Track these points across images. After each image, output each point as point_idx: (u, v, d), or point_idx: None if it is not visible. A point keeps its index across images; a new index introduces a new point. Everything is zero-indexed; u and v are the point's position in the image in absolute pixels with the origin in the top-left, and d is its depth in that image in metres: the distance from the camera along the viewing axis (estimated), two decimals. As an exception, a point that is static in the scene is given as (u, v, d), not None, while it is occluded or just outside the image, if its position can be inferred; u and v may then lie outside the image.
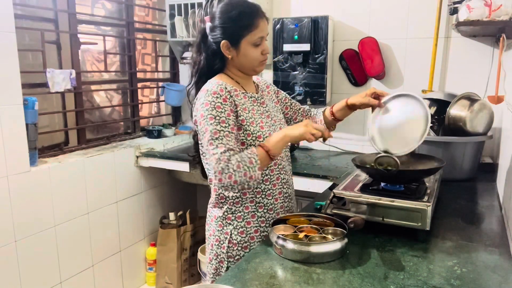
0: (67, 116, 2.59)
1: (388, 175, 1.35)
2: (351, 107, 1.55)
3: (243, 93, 1.42)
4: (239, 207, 1.42)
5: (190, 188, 3.32)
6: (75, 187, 2.38)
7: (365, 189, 1.40)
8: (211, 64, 1.42)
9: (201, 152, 1.48)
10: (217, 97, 1.31)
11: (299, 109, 1.67)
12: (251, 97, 1.44)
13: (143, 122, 3.23)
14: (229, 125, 1.29)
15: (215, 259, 1.46)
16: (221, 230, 1.44)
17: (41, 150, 2.34)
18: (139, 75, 3.14)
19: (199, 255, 2.81)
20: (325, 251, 1.12)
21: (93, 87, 2.82)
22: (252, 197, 1.42)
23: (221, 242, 1.44)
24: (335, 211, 1.36)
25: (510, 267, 1.10)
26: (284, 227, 1.27)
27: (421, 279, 1.03)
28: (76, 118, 2.64)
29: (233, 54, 1.38)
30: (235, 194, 1.42)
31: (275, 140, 1.29)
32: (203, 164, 1.49)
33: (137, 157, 2.79)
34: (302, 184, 2.20)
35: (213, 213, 1.49)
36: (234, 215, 1.43)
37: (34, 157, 2.18)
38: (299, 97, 2.60)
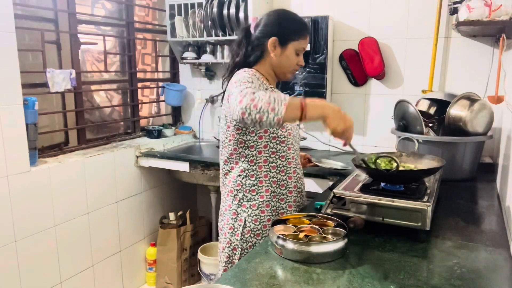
0: (67, 116, 2.59)
1: (388, 175, 1.35)
2: None
3: (271, 87, 1.53)
4: (255, 195, 1.49)
5: (190, 188, 3.32)
6: (75, 187, 2.38)
7: (365, 189, 1.40)
8: (248, 57, 1.52)
9: (221, 140, 1.53)
10: (254, 75, 1.43)
11: None
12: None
13: (143, 122, 3.23)
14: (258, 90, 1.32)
15: (228, 247, 1.53)
16: (235, 218, 1.51)
17: (41, 150, 2.34)
18: (139, 75, 3.14)
19: (199, 255, 2.81)
20: (325, 251, 1.12)
21: (93, 87, 2.82)
22: (267, 187, 1.50)
23: (235, 230, 1.51)
24: (335, 211, 1.36)
25: (510, 267, 1.10)
26: (284, 227, 1.27)
27: (421, 279, 1.03)
28: (76, 118, 2.64)
29: (277, 52, 1.49)
30: (252, 181, 1.49)
31: (316, 104, 1.23)
32: (222, 152, 1.54)
33: (137, 157, 2.79)
34: (302, 184, 2.20)
35: (227, 202, 1.55)
36: (250, 203, 1.49)
37: (34, 157, 2.18)
38: (299, 97, 2.59)
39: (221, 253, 1.57)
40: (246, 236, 1.50)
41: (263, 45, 1.49)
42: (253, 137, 1.46)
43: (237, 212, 1.51)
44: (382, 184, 1.42)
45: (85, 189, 2.44)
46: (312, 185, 2.17)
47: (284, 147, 1.50)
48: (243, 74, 1.40)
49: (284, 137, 1.50)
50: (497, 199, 1.66)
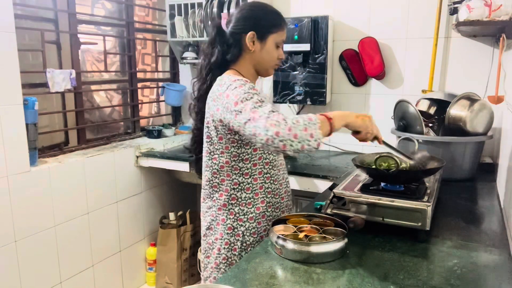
0: (67, 116, 2.59)
1: (388, 175, 1.35)
2: None
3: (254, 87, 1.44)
4: (251, 208, 1.43)
5: (190, 188, 3.32)
6: (75, 187, 2.38)
7: (365, 189, 1.40)
8: (224, 56, 1.41)
9: (207, 151, 1.43)
10: (246, 80, 1.31)
11: None
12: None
13: (143, 122, 3.23)
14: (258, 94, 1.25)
15: (224, 262, 1.44)
16: (231, 233, 1.43)
17: (41, 150, 2.34)
18: (139, 75, 3.14)
19: (199, 255, 2.82)
20: (325, 251, 1.12)
21: (93, 87, 2.82)
22: (263, 198, 1.44)
23: (232, 245, 1.43)
24: (335, 211, 1.36)
25: (510, 267, 1.10)
26: (284, 227, 1.27)
27: (421, 279, 1.03)
28: (76, 118, 2.64)
29: (257, 47, 1.39)
30: (248, 194, 1.41)
31: (339, 114, 1.22)
32: (209, 163, 1.43)
33: (137, 157, 2.79)
34: (302, 184, 2.20)
35: (220, 217, 1.45)
36: (246, 216, 1.43)
37: (34, 157, 2.18)
38: (299, 97, 2.60)
39: (215, 269, 1.47)
40: (246, 250, 1.43)
41: (240, 42, 1.38)
42: (247, 149, 1.38)
43: (233, 226, 1.43)
44: (382, 184, 1.42)
45: (85, 189, 2.44)
46: (312, 185, 2.18)
47: (275, 156, 1.45)
48: (235, 83, 1.27)
49: None
50: (497, 199, 1.66)
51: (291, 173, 2.22)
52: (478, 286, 1.01)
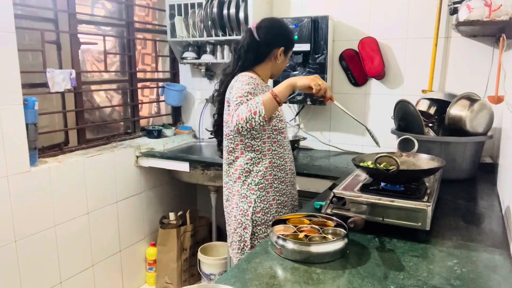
0: (67, 116, 2.59)
1: (388, 175, 1.35)
2: None
3: (267, 86, 1.76)
4: (261, 179, 1.70)
5: (190, 188, 3.32)
6: (75, 187, 2.38)
7: (365, 189, 1.40)
8: (253, 60, 1.72)
9: (225, 133, 1.75)
10: (254, 80, 1.65)
11: None
12: None
13: (143, 122, 3.23)
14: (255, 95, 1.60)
15: (240, 226, 1.72)
16: (244, 200, 1.71)
17: (41, 150, 2.34)
18: (139, 75, 3.14)
19: (199, 255, 2.82)
20: (325, 251, 1.12)
21: (93, 87, 2.82)
22: (271, 171, 1.72)
23: (245, 211, 1.71)
24: (335, 211, 1.36)
25: (510, 267, 1.10)
26: (284, 227, 1.27)
27: (421, 279, 1.03)
28: (76, 118, 2.64)
29: (281, 59, 1.75)
30: (258, 168, 1.70)
31: (282, 87, 1.57)
32: (227, 143, 1.74)
33: (137, 157, 2.79)
34: (302, 184, 2.20)
35: (235, 188, 1.74)
36: (257, 186, 1.70)
37: (34, 157, 2.18)
38: (299, 97, 2.59)
39: (233, 234, 1.76)
40: (256, 215, 1.70)
41: (270, 53, 1.72)
42: None
43: (246, 195, 1.71)
44: (382, 184, 1.42)
45: (85, 189, 2.44)
46: (312, 185, 2.17)
47: (282, 136, 1.74)
48: (241, 84, 1.61)
49: (283, 128, 1.75)
50: (497, 199, 1.66)
51: (291, 173, 2.22)
52: (478, 286, 1.00)
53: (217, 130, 1.86)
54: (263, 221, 1.71)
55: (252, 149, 1.70)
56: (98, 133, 2.85)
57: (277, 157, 1.73)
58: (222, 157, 1.83)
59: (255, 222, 1.70)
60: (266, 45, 1.71)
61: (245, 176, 1.71)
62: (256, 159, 1.70)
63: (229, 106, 1.66)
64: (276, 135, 1.72)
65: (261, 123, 1.49)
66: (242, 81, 1.62)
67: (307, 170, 2.24)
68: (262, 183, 1.71)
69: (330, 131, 2.75)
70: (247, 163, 1.70)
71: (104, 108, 2.94)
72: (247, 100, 1.55)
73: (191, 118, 3.33)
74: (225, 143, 1.76)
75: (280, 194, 1.76)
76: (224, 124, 1.76)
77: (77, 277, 2.44)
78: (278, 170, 1.74)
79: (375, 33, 2.49)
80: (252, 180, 1.71)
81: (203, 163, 2.59)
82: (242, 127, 1.49)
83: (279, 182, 1.75)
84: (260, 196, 1.71)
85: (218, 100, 1.82)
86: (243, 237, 1.72)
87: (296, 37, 2.50)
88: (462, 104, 1.88)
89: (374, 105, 2.59)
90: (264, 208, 1.72)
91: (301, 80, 1.58)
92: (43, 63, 2.32)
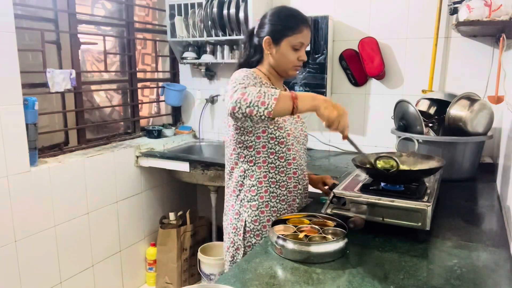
0: (67, 116, 2.59)
1: (388, 175, 1.35)
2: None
3: (272, 87, 1.50)
4: (255, 195, 1.49)
5: (190, 188, 3.32)
6: (75, 187, 2.38)
7: (365, 189, 1.40)
8: (250, 58, 1.55)
9: (225, 139, 1.55)
10: (251, 73, 1.43)
11: None
12: None
13: (143, 122, 3.23)
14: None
15: (232, 246, 1.54)
16: (237, 218, 1.52)
17: (41, 150, 2.34)
18: (139, 75, 3.14)
19: (199, 255, 2.81)
20: (325, 251, 1.12)
21: (93, 87, 2.82)
22: (267, 187, 1.49)
23: (238, 230, 1.51)
24: (335, 211, 1.36)
25: (510, 267, 1.10)
26: (284, 227, 1.27)
27: (421, 279, 1.03)
28: (76, 118, 2.64)
29: (273, 51, 1.48)
30: (252, 182, 1.48)
31: (307, 95, 1.26)
32: (227, 150, 1.54)
33: (137, 157, 2.79)
34: (302, 184, 2.20)
35: (230, 202, 1.55)
36: (250, 203, 1.49)
37: (34, 157, 2.18)
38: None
39: (226, 252, 1.59)
40: (247, 236, 1.50)
41: (261, 46, 1.50)
42: (251, 137, 1.45)
43: (239, 212, 1.51)
44: (382, 184, 1.42)
45: (85, 189, 2.44)
46: (312, 185, 2.17)
47: (283, 147, 1.48)
48: (239, 73, 1.42)
49: (283, 137, 1.47)
50: (497, 199, 1.66)
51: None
52: (478, 286, 1.00)
53: None
54: (251, 244, 1.51)
55: (245, 159, 1.48)
56: (98, 133, 2.85)
57: (276, 172, 1.48)
58: None
59: (246, 244, 1.50)
60: (257, 40, 1.52)
61: (239, 190, 1.51)
62: (249, 171, 1.48)
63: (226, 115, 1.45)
64: (275, 145, 1.46)
65: (262, 117, 1.21)
66: (236, 73, 1.44)
67: (307, 170, 2.23)
68: (255, 200, 1.48)
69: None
70: (240, 175, 1.49)
71: (104, 108, 2.94)
72: (244, 84, 1.34)
73: (191, 118, 3.34)
74: (224, 151, 1.58)
75: (278, 215, 1.50)
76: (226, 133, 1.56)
77: (77, 277, 2.44)
78: (277, 186, 1.49)
79: (375, 33, 2.49)
80: (245, 195, 1.50)
81: (203, 163, 2.59)
82: (240, 108, 1.21)
83: (277, 201, 1.50)
84: (252, 216, 1.49)
85: None
86: (235, 258, 1.54)
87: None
88: (462, 104, 1.88)
89: (374, 105, 2.59)
90: (255, 230, 1.49)
91: (326, 108, 1.23)
92: (43, 63, 2.32)
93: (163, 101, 3.20)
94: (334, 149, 2.73)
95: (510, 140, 1.59)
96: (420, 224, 1.23)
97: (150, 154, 2.77)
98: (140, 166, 2.81)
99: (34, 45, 2.36)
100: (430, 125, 2.04)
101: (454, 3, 2.02)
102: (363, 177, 1.55)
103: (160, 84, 3.24)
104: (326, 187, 1.69)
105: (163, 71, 3.35)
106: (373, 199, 1.31)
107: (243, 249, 1.51)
